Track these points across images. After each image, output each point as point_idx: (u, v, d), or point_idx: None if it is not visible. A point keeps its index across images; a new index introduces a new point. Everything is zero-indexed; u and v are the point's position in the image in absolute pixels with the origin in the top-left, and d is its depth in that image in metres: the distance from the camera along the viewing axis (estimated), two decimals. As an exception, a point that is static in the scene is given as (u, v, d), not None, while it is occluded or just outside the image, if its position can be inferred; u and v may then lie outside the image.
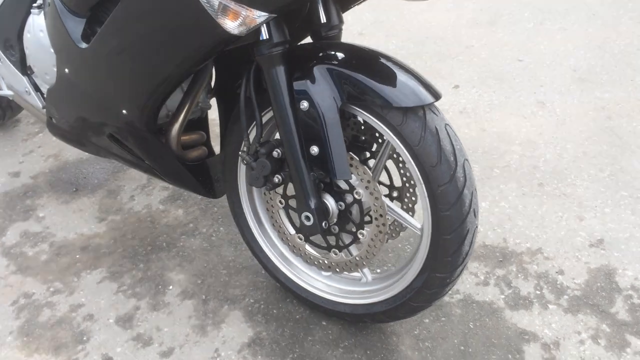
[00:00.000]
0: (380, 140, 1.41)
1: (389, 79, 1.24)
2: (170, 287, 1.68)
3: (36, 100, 1.71)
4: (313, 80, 1.25)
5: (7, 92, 1.77)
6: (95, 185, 2.05)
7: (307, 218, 1.35)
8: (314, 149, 1.27)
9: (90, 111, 1.54)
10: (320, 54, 1.29)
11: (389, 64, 1.27)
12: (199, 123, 1.70)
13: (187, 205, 1.97)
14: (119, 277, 1.70)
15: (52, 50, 1.51)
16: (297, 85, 1.26)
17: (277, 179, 1.37)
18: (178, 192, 2.02)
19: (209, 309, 1.62)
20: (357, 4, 1.46)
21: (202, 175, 1.60)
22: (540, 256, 1.77)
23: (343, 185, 1.36)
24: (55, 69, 1.53)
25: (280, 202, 1.48)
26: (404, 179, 1.45)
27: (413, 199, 1.46)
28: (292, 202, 1.48)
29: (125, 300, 1.63)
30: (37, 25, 1.53)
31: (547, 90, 2.61)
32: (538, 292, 1.66)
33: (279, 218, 1.51)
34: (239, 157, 1.51)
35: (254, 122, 1.40)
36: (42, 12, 1.52)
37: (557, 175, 2.10)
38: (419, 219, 1.35)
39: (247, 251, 1.79)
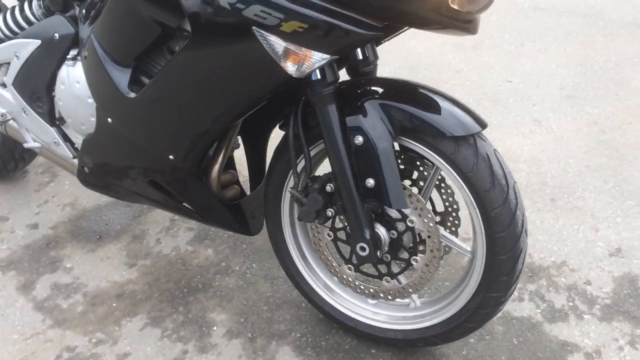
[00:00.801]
0: (422, 168, 1.47)
1: (437, 109, 1.30)
2: (215, 328, 1.68)
3: (66, 151, 1.70)
4: (366, 115, 1.30)
5: (34, 144, 1.76)
6: (118, 231, 2.04)
7: (362, 249, 1.38)
8: (370, 182, 1.31)
9: (133, 159, 1.55)
10: (367, 89, 1.34)
11: (433, 95, 1.33)
12: (228, 162, 1.73)
13: (215, 245, 1.98)
14: (161, 322, 1.69)
15: (89, 101, 1.52)
16: (350, 121, 1.31)
17: (329, 212, 1.41)
18: (204, 232, 2.03)
19: (258, 346, 1.62)
20: (390, 39, 1.53)
21: (238, 214, 1.62)
22: (566, 268, 1.85)
23: (394, 214, 1.40)
24: (93, 119, 1.54)
25: (328, 234, 1.51)
26: (446, 204, 1.50)
27: (456, 222, 1.51)
28: (340, 234, 1.52)
29: (172, 345, 1.63)
30: (72, 77, 1.54)
31: (540, 108, 2.73)
32: (571, 304, 1.72)
33: (327, 250, 1.54)
34: (283, 194, 1.54)
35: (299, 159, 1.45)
36: (77, 63, 1.53)
37: (566, 189, 2.20)
38: (465, 242, 1.40)
39: (284, 285, 1.82)
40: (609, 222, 2.03)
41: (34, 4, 1.64)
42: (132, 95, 1.39)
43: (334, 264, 1.55)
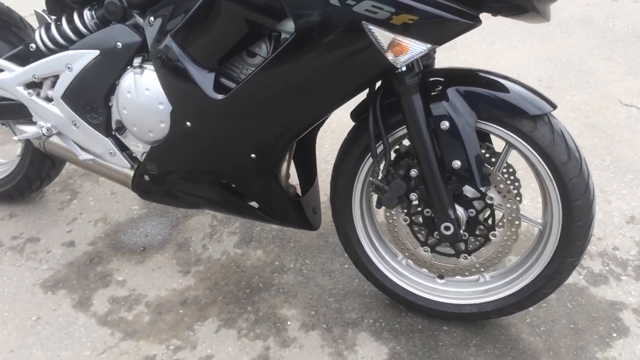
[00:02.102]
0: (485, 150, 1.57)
1: (512, 92, 1.42)
2: (289, 323, 1.71)
3: (123, 161, 1.69)
4: (449, 102, 1.40)
5: (87, 156, 1.72)
6: (161, 241, 2.02)
7: (447, 228, 1.48)
8: (457, 164, 1.41)
9: (208, 161, 1.56)
10: (444, 78, 1.44)
11: (503, 80, 1.45)
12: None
13: (263, 245, 2.01)
14: (233, 322, 1.71)
15: (160, 107, 1.53)
16: (435, 108, 1.40)
17: (413, 196, 1.50)
18: (247, 234, 2.05)
19: (336, 335, 1.67)
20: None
21: (300, 210, 1.67)
22: (593, 238, 2.02)
23: (471, 194, 1.50)
24: (163, 125, 1.55)
25: (404, 219, 1.59)
26: (508, 182, 1.62)
27: (517, 199, 1.63)
28: (415, 218, 1.60)
29: (252, 343, 1.65)
30: (141, 84, 1.53)
31: (526, 99, 2.93)
32: (607, 268, 1.89)
33: (402, 235, 1.62)
34: (355, 184, 1.60)
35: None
36: (145, 71, 1.53)
37: (571, 169, 2.38)
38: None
39: (342, 277, 1.88)
40: (616, 194, 2.23)
41: (86, 14, 1.62)
42: (220, 97, 1.42)
43: (409, 248, 1.63)
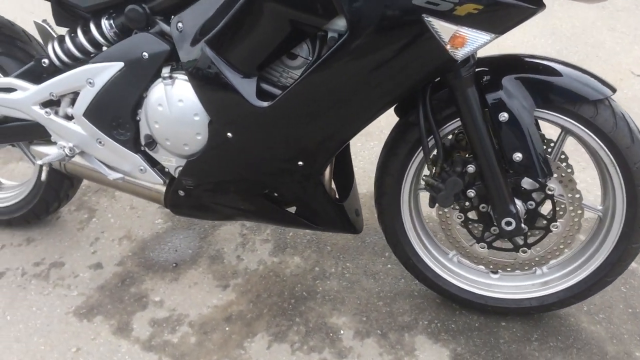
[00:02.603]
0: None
1: (569, 78, 1.36)
2: (342, 332, 1.65)
3: (155, 177, 1.59)
4: (506, 92, 1.33)
5: (116, 175, 1.62)
6: (192, 255, 1.93)
7: (509, 223, 1.42)
8: (518, 156, 1.34)
9: (251, 171, 1.48)
10: (497, 67, 1.38)
11: (559, 65, 1.39)
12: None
13: (299, 252, 1.93)
14: (284, 336, 1.64)
15: (196, 119, 1.44)
16: (492, 98, 1.33)
17: (470, 193, 1.43)
18: (281, 241, 1.97)
19: (392, 341, 1.61)
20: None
21: (345, 213, 1.60)
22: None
23: (529, 185, 1.44)
24: (199, 137, 1.46)
25: (458, 217, 1.53)
26: (569, 170, 1.55)
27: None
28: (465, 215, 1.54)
29: (307, 357, 1.58)
30: (173, 96, 1.44)
31: (538, 77, 2.88)
32: (653, 247, 1.85)
33: (456, 233, 1.55)
34: (403, 184, 1.53)
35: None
36: (176, 81, 1.43)
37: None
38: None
39: (388, 278, 1.81)
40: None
41: (104, 24, 1.50)
42: (265, 104, 1.34)
43: (464, 245, 1.57)
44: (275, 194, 1.54)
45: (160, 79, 1.46)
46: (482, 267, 1.63)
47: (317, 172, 1.45)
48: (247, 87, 1.35)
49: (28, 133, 1.71)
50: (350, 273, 1.84)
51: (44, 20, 1.80)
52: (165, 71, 1.45)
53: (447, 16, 1.13)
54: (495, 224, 1.47)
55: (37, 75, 1.64)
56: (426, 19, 1.14)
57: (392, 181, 1.54)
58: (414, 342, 1.61)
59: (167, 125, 1.48)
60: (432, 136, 1.41)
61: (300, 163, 1.42)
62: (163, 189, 1.65)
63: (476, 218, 1.51)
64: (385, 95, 1.28)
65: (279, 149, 1.42)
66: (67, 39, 1.57)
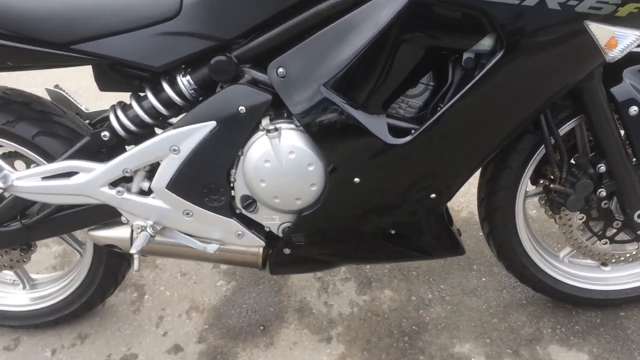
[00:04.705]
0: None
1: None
2: (472, 359, 1.57)
3: (254, 240, 1.43)
4: (632, 84, 1.32)
5: (213, 246, 1.44)
6: (275, 313, 1.77)
7: (642, 216, 1.41)
8: None
9: (378, 214, 1.37)
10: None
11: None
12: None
13: (386, 283, 1.83)
14: (419, 379, 1.54)
15: (310, 169, 1.31)
16: (619, 93, 1.32)
17: (602, 192, 1.41)
18: (362, 275, 1.86)
19: (528, 357, 1.56)
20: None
21: (455, 236, 1.53)
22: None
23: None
24: (314, 188, 1.33)
25: (579, 218, 1.50)
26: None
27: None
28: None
29: (454, 395, 1.49)
30: (282, 149, 1.29)
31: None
32: None
33: (577, 234, 1.53)
34: (517, 195, 1.49)
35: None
36: (283, 131, 1.29)
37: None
38: None
39: (489, 292, 1.77)
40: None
41: (181, 82, 1.31)
42: (400, 141, 1.23)
43: (586, 245, 1.54)
44: (393, 232, 1.44)
45: (260, 133, 1.31)
46: (591, 261, 1.62)
47: (446, 201, 1.37)
48: (378, 126, 1.24)
49: (90, 219, 1.48)
50: (449, 295, 1.77)
51: (56, 86, 1.59)
52: (266, 123, 1.30)
53: (608, 19, 1.10)
54: (617, 217, 1.46)
55: (95, 151, 1.42)
56: (587, 24, 1.09)
57: (505, 194, 1.49)
58: (549, 354, 1.56)
59: (277, 181, 1.33)
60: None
61: (433, 196, 1.34)
62: (259, 250, 1.49)
63: (597, 216, 1.49)
64: (533, 108, 1.23)
65: (412, 185, 1.32)
66: (135, 104, 1.37)
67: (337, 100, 1.22)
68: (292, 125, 1.30)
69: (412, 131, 1.26)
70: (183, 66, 1.34)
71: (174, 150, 1.33)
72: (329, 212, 1.36)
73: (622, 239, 1.53)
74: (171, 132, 1.32)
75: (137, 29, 1.27)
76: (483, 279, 1.80)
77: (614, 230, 1.51)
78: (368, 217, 1.38)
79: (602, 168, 1.38)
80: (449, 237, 1.48)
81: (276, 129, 1.29)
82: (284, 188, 1.34)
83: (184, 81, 1.33)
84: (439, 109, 1.24)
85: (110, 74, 1.39)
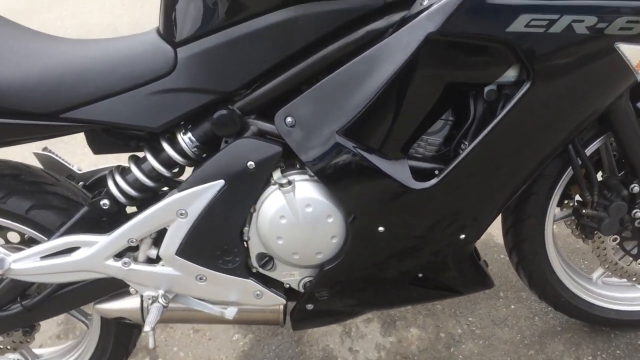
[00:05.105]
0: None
1: None
2: (516, 399, 1.48)
3: (274, 299, 1.33)
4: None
5: (231, 311, 1.34)
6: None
7: (680, 232, 1.34)
8: None
9: (406, 260, 1.28)
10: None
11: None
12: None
13: (411, 321, 1.74)
14: None
15: (329, 221, 1.22)
16: None
17: (637, 213, 1.34)
18: (385, 315, 1.77)
19: (573, 390, 1.48)
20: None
21: (484, 269, 1.45)
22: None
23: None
24: (335, 241, 1.24)
25: (613, 239, 1.42)
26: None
27: None
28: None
29: None
30: (298, 202, 1.20)
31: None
32: None
33: (612, 256, 1.45)
34: (546, 222, 1.41)
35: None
36: (297, 184, 1.20)
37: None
38: None
39: (520, 321, 1.70)
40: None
41: (183, 141, 1.22)
42: (425, 184, 1.15)
43: (622, 266, 1.46)
44: (421, 275, 1.35)
45: (272, 187, 1.22)
46: (626, 281, 1.54)
47: (475, 240, 1.29)
48: (400, 171, 1.15)
49: (96, 293, 1.37)
50: (480, 328, 1.68)
51: (45, 149, 1.50)
52: (278, 176, 1.21)
53: (638, 39, 1.02)
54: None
55: (95, 221, 1.31)
56: (618, 46, 1.02)
57: (534, 222, 1.41)
58: (595, 382, 1.48)
59: (295, 237, 1.24)
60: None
61: (463, 236, 1.25)
62: (280, 307, 1.39)
63: (630, 236, 1.42)
64: (565, 136, 1.16)
65: (441, 228, 1.23)
66: (133, 167, 1.27)
67: (353, 147, 1.13)
68: (306, 176, 1.22)
69: (437, 172, 1.18)
70: (183, 123, 1.24)
71: (182, 214, 1.23)
72: (353, 263, 1.27)
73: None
74: (177, 196, 1.23)
75: (130, 89, 1.17)
76: (512, 306, 1.72)
77: (651, 248, 1.43)
78: (394, 264, 1.29)
79: (637, 188, 1.31)
80: (478, 272, 1.40)
81: (289, 182, 1.20)
82: (303, 243, 1.25)
83: (185, 139, 1.23)
84: (462, 146, 1.16)
85: (104, 137, 1.30)
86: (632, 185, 1.31)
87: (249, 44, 1.12)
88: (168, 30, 1.18)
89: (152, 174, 1.27)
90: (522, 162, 1.16)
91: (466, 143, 1.15)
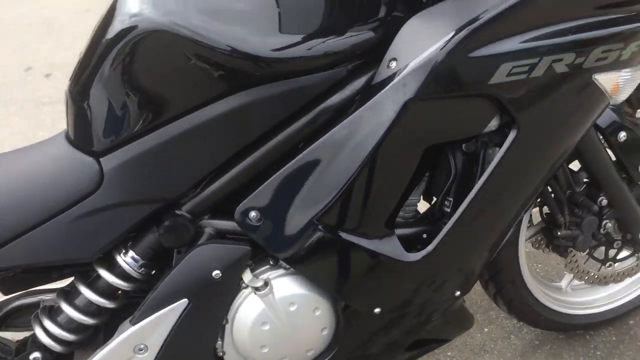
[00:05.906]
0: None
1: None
2: None
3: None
4: (615, 111, 1.26)
5: None
6: None
7: (646, 239, 1.36)
8: None
9: (403, 330, 1.17)
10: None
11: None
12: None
13: None
14: None
15: (317, 313, 1.07)
16: (604, 122, 1.27)
17: (608, 224, 1.33)
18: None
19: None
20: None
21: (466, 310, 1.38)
22: None
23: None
24: (325, 332, 1.10)
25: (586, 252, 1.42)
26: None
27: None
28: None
29: None
30: (279, 304, 1.02)
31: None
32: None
33: (583, 266, 1.44)
34: (519, 247, 1.37)
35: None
36: (271, 283, 1.03)
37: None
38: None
39: (498, 343, 1.64)
40: None
41: (123, 261, 0.99)
42: (418, 255, 1.04)
43: (593, 274, 1.46)
44: (416, 336, 1.24)
45: (245, 292, 1.04)
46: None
47: (467, 292, 1.20)
48: (390, 247, 1.03)
49: None
50: (461, 360, 1.61)
51: None
52: (250, 279, 1.03)
53: (613, 65, 0.98)
54: (616, 238, 1.39)
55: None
56: (595, 77, 0.97)
57: (508, 252, 1.35)
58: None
59: (282, 341, 1.07)
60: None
61: (457, 294, 1.16)
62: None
63: (598, 243, 1.41)
64: (553, 170, 1.09)
65: (438, 291, 1.13)
66: (64, 305, 1.03)
67: (337, 233, 0.98)
68: (281, 271, 1.05)
69: (424, 235, 1.07)
70: (126, 244, 1.02)
71: (140, 350, 1.02)
72: (350, 350, 1.13)
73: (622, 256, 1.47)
74: (131, 331, 1.00)
75: (51, 218, 0.94)
76: (485, 329, 1.67)
77: (615, 251, 1.44)
78: (392, 337, 1.17)
79: (604, 201, 1.29)
80: (464, 315, 1.32)
81: (266, 284, 1.03)
82: (292, 346, 1.09)
83: (127, 259, 1.02)
84: (446, 202, 1.06)
85: (20, 276, 1.04)
86: (600, 199, 1.29)
87: (191, 142, 0.94)
88: (83, 137, 0.95)
89: (89, 309, 1.03)
90: (514, 206, 1.08)
91: (450, 199, 1.06)
